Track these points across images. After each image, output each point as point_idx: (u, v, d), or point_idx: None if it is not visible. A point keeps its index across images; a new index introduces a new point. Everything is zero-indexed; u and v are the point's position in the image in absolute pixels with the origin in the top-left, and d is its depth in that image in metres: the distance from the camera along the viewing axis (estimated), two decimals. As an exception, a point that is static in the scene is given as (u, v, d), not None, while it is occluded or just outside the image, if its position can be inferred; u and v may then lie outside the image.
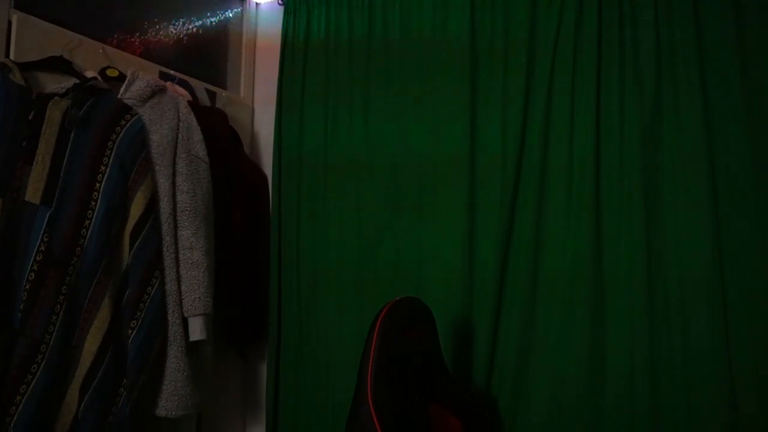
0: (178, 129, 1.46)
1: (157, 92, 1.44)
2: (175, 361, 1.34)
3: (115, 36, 1.61)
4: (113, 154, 1.28)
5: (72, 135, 1.24)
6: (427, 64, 1.74)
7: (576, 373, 1.51)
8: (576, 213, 1.54)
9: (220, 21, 2.03)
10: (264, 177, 2.01)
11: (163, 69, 1.67)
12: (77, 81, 1.30)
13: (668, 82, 1.49)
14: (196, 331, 1.41)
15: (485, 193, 1.64)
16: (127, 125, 1.31)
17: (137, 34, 1.69)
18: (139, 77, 1.43)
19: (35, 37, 1.31)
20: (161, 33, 1.79)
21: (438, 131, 1.71)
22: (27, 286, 1.14)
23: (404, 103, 1.77)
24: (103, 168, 1.27)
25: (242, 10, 2.10)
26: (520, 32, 1.62)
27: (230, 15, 2.07)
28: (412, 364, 1.34)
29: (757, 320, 1.36)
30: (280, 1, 2.02)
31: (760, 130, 1.40)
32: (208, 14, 1.98)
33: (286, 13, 1.99)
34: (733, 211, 1.41)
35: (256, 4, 2.11)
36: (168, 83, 1.55)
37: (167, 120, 1.43)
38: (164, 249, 1.36)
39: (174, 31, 1.84)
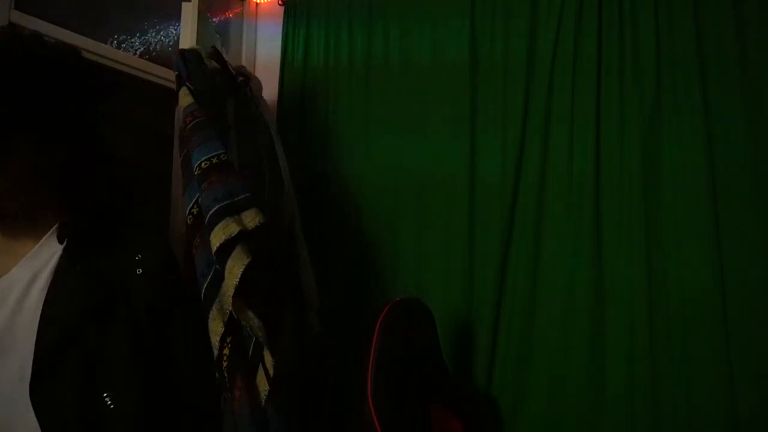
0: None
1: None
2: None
3: (115, 36, 1.61)
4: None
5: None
6: (427, 85, 1.75)
7: (576, 373, 1.51)
8: (574, 232, 1.54)
9: (220, 21, 2.03)
10: (264, 177, 2.01)
11: (163, 69, 1.67)
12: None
13: (669, 108, 1.49)
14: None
15: (485, 212, 1.65)
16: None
17: (137, 34, 1.69)
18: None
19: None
20: (161, 33, 1.79)
21: (438, 152, 1.72)
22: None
23: (404, 123, 1.77)
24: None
25: (242, 10, 2.10)
26: (519, 54, 1.63)
27: (230, 15, 2.07)
28: (412, 364, 1.34)
29: (756, 326, 1.36)
30: (280, 2, 2.02)
31: (761, 137, 1.40)
32: (208, 14, 1.98)
33: (286, 13, 1.99)
34: (732, 217, 1.41)
35: (257, 3, 2.11)
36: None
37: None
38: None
39: (174, 32, 1.84)
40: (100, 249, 0.83)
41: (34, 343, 0.75)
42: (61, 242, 0.82)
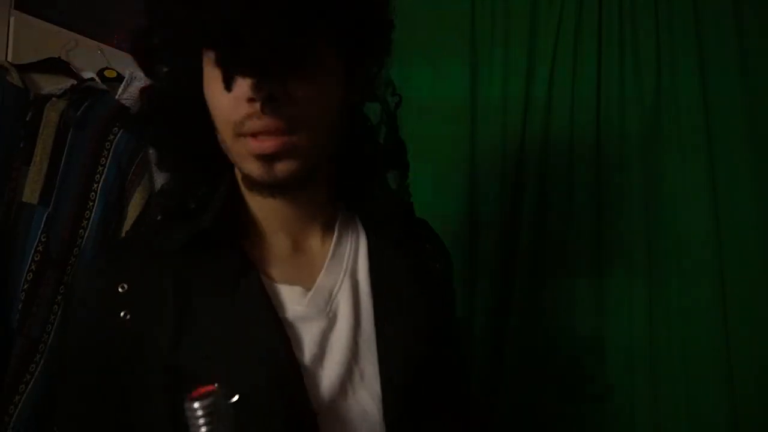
0: (176, 129, 1.46)
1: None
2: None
3: (114, 36, 1.61)
4: (110, 154, 1.28)
5: (69, 136, 1.24)
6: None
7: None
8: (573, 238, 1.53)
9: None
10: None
11: (163, 69, 1.67)
12: (75, 82, 1.30)
13: (669, 108, 1.48)
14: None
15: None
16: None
17: (137, 34, 1.70)
18: (137, 78, 1.43)
19: (33, 38, 1.31)
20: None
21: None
22: (25, 287, 1.15)
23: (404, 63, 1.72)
24: (100, 168, 1.27)
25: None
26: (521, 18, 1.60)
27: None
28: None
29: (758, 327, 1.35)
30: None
31: (761, 137, 1.39)
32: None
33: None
34: (733, 215, 1.40)
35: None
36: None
37: (165, 120, 1.43)
38: (162, 249, 1.37)
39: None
40: (401, 236, 0.66)
41: (377, 372, 0.58)
42: (367, 228, 0.65)
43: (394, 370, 0.57)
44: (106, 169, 1.27)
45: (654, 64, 1.50)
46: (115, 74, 1.44)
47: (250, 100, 0.51)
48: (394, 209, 0.65)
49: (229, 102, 0.52)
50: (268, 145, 0.53)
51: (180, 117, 0.59)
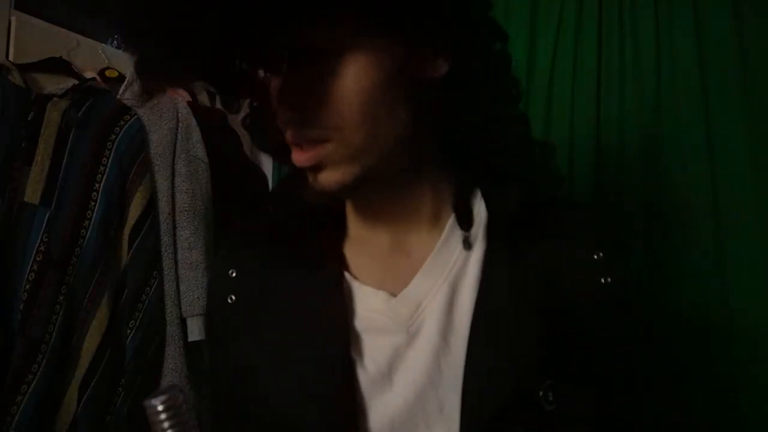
0: (177, 130, 1.46)
1: (156, 93, 1.45)
2: (173, 361, 1.35)
3: (115, 36, 1.61)
4: (112, 154, 1.28)
5: (71, 136, 1.24)
6: None
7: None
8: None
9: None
10: (264, 177, 2.01)
11: (163, 69, 1.67)
12: (76, 82, 1.30)
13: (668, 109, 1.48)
14: (195, 331, 1.41)
15: None
16: (126, 126, 1.31)
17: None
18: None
19: (35, 38, 1.31)
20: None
21: None
22: (26, 287, 1.15)
23: None
24: (102, 169, 1.27)
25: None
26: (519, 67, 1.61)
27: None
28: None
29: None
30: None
31: (762, 137, 1.39)
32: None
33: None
34: (733, 215, 1.40)
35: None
36: (167, 84, 1.55)
37: (166, 120, 1.43)
38: (163, 249, 1.37)
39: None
40: (534, 239, 0.51)
41: (460, 406, 0.46)
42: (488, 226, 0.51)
43: (480, 407, 0.45)
44: (107, 169, 1.27)
45: (654, 64, 1.50)
46: (116, 74, 1.44)
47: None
48: (522, 201, 0.51)
49: (278, 107, 0.48)
50: (302, 158, 0.48)
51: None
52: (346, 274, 0.53)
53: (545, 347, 0.47)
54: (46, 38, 1.33)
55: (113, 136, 1.29)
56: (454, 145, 0.54)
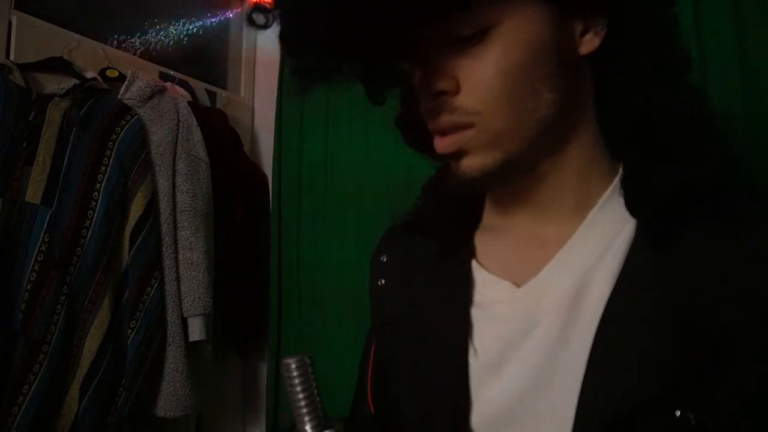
0: (177, 129, 1.46)
1: (156, 93, 1.45)
2: (174, 362, 1.34)
3: (115, 36, 1.61)
4: (113, 154, 1.28)
5: (72, 135, 1.24)
6: None
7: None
8: None
9: (220, 21, 2.03)
10: (264, 177, 2.01)
11: (163, 69, 1.67)
12: (77, 82, 1.30)
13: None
14: (196, 331, 1.41)
15: None
16: (127, 126, 1.31)
17: (137, 34, 1.70)
18: (139, 78, 1.43)
19: (35, 38, 1.31)
20: (161, 33, 1.79)
21: None
22: (28, 287, 1.14)
23: None
24: (103, 168, 1.27)
25: (242, 10, 2.10)
26: None
27: (230, 15, 2.07)
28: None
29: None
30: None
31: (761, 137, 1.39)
32: (208, 14, 1.98)
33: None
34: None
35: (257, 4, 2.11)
36: (168, 84, 1.56)
37: (167, 120, 1.43)
38: (164, 249, 1.37)
39: (174, 32, 1.84)
40: (693, 233, 0.44)
41: (575, 409, 0.42)
42: (635, 215, 0.46)
43: (600, 413, 0.40)
44: (108, 169, 1.27)
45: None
46: (117, 74, 1.43)
47: (422, 93, 0.45)
48: (682, 187, 0.43)
49: (420, 96, 0.47)
50: (443, 144, 0.47)
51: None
52: (474, 262, 0.53)
53: (687, 363, 0.40)
54: (46, 38, 1.33)
55: (114, 136, 1.29)
56: (609, 128, 0.49)
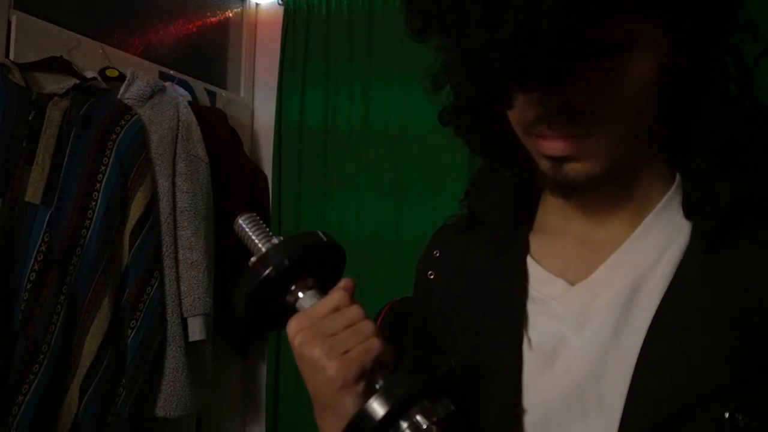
0: (177, 129, 1.46)
1: (156, 92, 1.45)
2: (174, 361, 1.34)
3: (115, 36, 1.61)
4: (113, 154, 1.28)
5: (72, 135, 1.24)
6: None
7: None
8: None
9: (220, 21, 2.03)
10: (264, 177, 2.01)
11: (163, 69, 1.67)
12: (77, 81, 1.30)
13: None
14: (196, 331, 1.41)
15: None
16: (127, 125, 1.31)
17: (137, 34, 1.69)
18: (139, 77, 1.43)
19: (35, 38, 1.31)
20: (161, 33, 1.79)
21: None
22: (28, 287, 1.14)
23: (406, 82, 1.76)
24: (102, 168, 1.27)
25: (242, 10, 2.10)
26: None
27: (230, 15, 2.07)
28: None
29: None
30: (280, 2, 2.02)
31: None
32: (208, 14, 1.98)
33: (286, 13, 1.99)
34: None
35: (256, 4, 2.11)
36: (168, 83, 1.55)
37: (167, 120, 1.43)
38: (164, 249, 1.37)
39: (174, 31, 1.84)
40: (751, 242, 0.46)
41: (623, 406, 0.44)
42: (690, 217, 0.48)
43: (647, 412, 0.42)
44: (108, 169, 1.27)
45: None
46: (116, 74, 1.43)
47: (541, 104, 0.44)
48: (739, 198, 0.45)
49: (519, 102, 0.46)
50: (556, 147, 0.46)
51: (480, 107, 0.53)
52: (529, 259, 0.55)
53: (738, 365, 0.42)
54: (46, 38, 1.33)
55: (114, 136, 1.29)
56: (678, 138, 0.51)
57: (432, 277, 0.62)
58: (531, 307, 0.52)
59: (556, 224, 0.56)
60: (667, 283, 0.46)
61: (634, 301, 0.47)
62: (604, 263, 0.50)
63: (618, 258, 0.49)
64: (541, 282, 0.53)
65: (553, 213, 0.57)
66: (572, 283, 0.51)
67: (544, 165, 0.49)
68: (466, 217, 0.62)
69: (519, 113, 0.48)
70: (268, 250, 0.49)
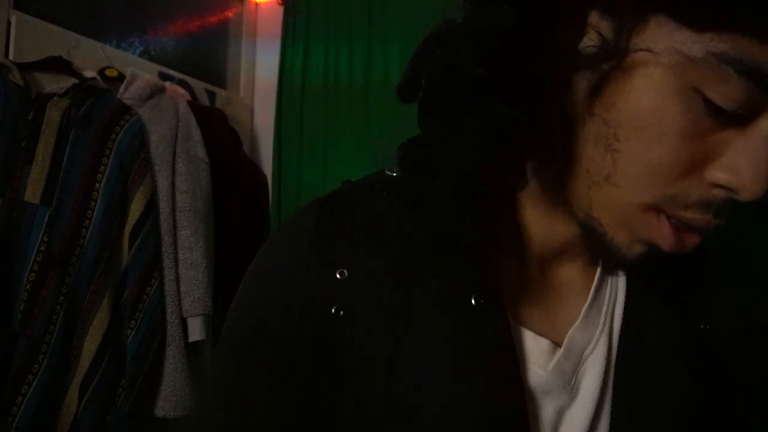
0: (177, 129, 1.46)
1: (156, 92, 1.44)
2: (173, 362, 1.34)
3: (115, 36, 1.61)
4: (112, 154, 1.28)
5: (71, 135, 1.24)
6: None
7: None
8: None
9: (219, 21, 2.03)
10: (264, 177, 2.00)
11: (163, 69, 1.67)
12: (76, 81, 1.30)
13: None
14: (196, 331, 1.41)
15: None
16: (126, 125, 1.31)
17: (137, 34, 1.69)
18: (138, 77, 1.43)
19: (34, 37, 1.31)
20: (160, 33, 1.79)
21: None
22: (27, 287, 1.14)
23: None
24: (102, 168, 1.27)
25: (242, 10, 2.10)
26: None
27: (230, 15, 2.07)
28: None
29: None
30: (279, 1, 2.02)
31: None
32: (208, 14, 1.98)
33: (286, 12, 1.99)
34: (732, 214, 1.40)
35: (256, 4, 2.11)
36: (167, 83, 1.55)
37: (166, 120, 1.43)
38: (163, 249, 1.36)
39: (173, 31, 1.84)
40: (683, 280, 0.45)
41: None
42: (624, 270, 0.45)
43: None
44: (108, 169, 1.27)
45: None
46: (116, 73, 1.43)
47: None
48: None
49: (685, 158, 0.34)
50: (684, 243, 0.37)
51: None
52: (508, 315, 0.42)
53: (699, 408, 0.41)
54: (45, 37, 1.33)
55: (114, 136, 1.29)
56: None
57: (341, 314, 0.40)
58: (526, 384, 0.41)
59: (531, 268, 0.45)
60: (620, 336, 0.43)
61: (610, 361, 0.43)
62: (581, 316, 0.44)
63: (591, 309, 0.44)
64: (529, 347, 0.42)
65: (534, 242, 0.44)
66: (554, 341, 0.43)
67: (631, 245, 0.38)
68: (395, 226, 0.42)
69: (673, 172, 0.34)
70: None
